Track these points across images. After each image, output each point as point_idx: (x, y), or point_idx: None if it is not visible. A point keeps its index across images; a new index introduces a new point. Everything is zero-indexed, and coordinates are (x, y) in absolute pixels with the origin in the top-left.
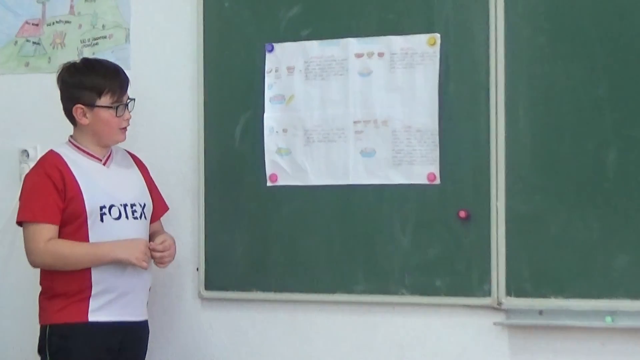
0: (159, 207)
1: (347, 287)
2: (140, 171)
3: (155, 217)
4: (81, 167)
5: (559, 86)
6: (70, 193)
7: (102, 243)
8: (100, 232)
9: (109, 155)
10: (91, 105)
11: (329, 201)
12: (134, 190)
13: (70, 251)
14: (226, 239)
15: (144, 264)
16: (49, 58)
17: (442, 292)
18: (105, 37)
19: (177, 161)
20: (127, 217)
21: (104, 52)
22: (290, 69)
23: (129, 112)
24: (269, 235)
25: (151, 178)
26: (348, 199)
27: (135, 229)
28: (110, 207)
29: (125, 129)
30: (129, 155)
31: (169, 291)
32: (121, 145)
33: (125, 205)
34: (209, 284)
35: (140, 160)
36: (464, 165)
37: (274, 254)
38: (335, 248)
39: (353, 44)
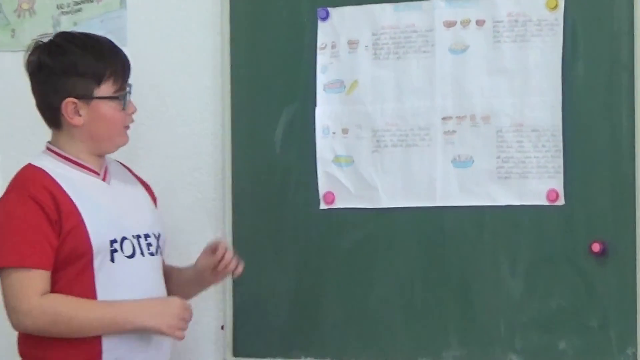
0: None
1: (434, 353)
2: (144, 187)
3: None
4: (76, 186)
5: None
6: (67, 224)
7: (122, 303)
8: (111, 276)
9: (106, 167)
10: (88, 97)
11: (408, 230)
12: (146, 216)
13: (76, 312)
14: (262, 286)
15: (180, 333)
16: (13, 30)
17: (569, 358)
18: (92, 1)
19: (193, 175)
20: (142, 253)
21: (91, 22)
22: (353, 44)
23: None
24: (322, 280)
25: (155, 197)
26: (435, 227)
27: (153, 270)
28: (122, 240)
29: (128, 127)
30: (123, 167)
31: (184, 357)
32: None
33: (138, 237)
34: (238, 348)
35: (135, 173)
36: (598, 179)
37: (330, 308)
38: (417, 298)
39: (441, 8)
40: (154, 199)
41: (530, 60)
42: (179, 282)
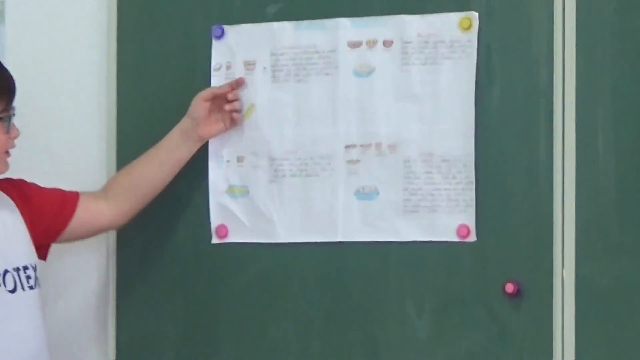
0: (71, 198)
1: None
2: (19, 207)
3: (72, 206)
4: None
5: None
6: None
7: None
8: None
9: None
10: None
11: (308, 268)
12: (23, 246)
13: None
14: (148, 328)
15: None
16: None
17: None
18: None
19: None
20: (22, 287)
21: None
22: (250, 65)
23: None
24: (213, 321)
25: (41, 191)
26: (336, 264)
27: (31, 309)
28: (5, 273)
29: (8, 153)
30: None
31: None
32: None
33: (18, 270)
34: None
35: (11, 182)
36: (513, 214)
37: (223, 351)
38: (316, 340)
39: (346, 28)
40: (24, 199)
41: (441, 84)
42: (147, 171)
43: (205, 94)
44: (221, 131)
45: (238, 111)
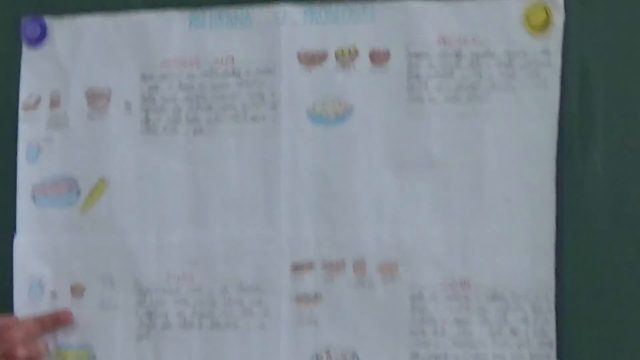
0: None
1: None
2: None
3: None
4: None
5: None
6: None
7: None
8: None
9: None
10: None
11: None
12: None
13: None
14: None
15: None
16: None
17: None
18: None
19: None
20: None
21: None
22: (100, 99)
23: None
24: None
25: None
26: None
27: None
28: None
29: None
30: None
31: None
32: None
33: None
34: None
35: None
36: None
37: None
38: None
39: (295, 23)
40: None
41: (486, 141)
42: None
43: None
44: None
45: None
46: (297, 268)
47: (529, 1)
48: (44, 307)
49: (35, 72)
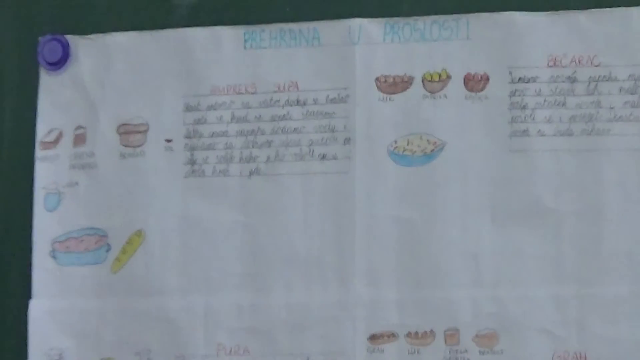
0: None
1: None
2: None
3: None
4: None
5: None
6: None
7: None
8: None
9: None
10: None
11: None
12: None
13: None
14: None
15: None
16: None
17: None
18: None
19: None
20: None
21: None
22: (133, 136)
23: None
24: None
25: None
26: None
27: None
28: None
29: None
30: None
31: None
32: None
33: None
34: None
35: None
36: None
37: None
38: None
39: (372, 41)
40: None
41: (609, 187)
42: None
43: None
44: None
45: None
46: (376, 339)
47: None
48: None
49: (55, 102)
